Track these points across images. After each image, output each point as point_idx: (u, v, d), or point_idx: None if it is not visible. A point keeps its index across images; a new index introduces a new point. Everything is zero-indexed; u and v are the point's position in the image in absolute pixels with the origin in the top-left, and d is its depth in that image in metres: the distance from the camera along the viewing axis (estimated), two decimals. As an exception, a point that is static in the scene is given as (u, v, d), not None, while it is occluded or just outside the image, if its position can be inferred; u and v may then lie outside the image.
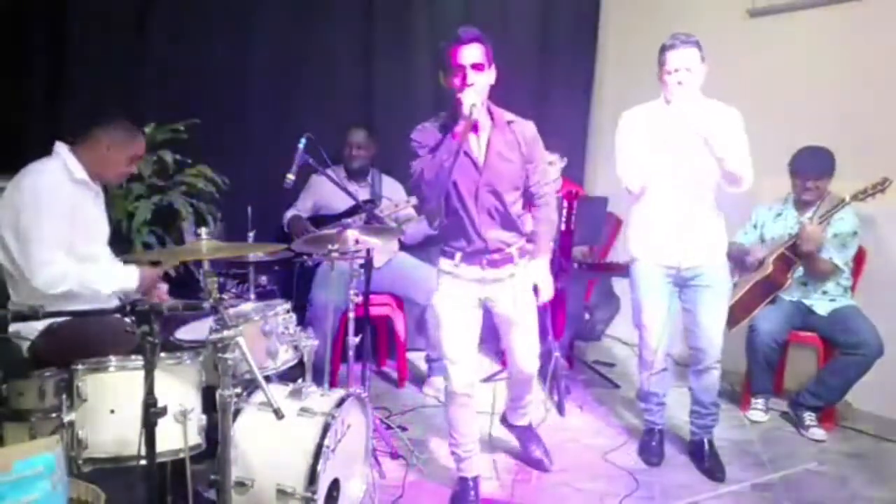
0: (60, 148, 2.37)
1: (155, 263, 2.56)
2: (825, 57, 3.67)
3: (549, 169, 3.87)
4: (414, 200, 3.48)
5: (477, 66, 2.18)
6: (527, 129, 2.36)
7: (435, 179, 2.17)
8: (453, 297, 2.41)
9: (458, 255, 2.39)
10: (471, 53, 2.18)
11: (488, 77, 2.24)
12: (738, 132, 2.62)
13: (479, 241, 2.34)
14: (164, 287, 2.57)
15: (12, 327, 2.27)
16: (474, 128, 2.23)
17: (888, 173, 3.00)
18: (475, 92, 2.16)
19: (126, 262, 2.49)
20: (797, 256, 3.21)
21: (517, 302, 2.44)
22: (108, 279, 2.38)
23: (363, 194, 3.58)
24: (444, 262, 2.43)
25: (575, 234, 3.49)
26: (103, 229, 2.55)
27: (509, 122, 2.34)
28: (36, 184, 2.27)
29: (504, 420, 2.88)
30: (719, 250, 2.77)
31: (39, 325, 2.27)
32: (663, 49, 2.61)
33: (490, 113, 2.32)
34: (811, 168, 3.20)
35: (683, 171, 2.62)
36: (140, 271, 2.44)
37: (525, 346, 2.53)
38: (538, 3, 4.47)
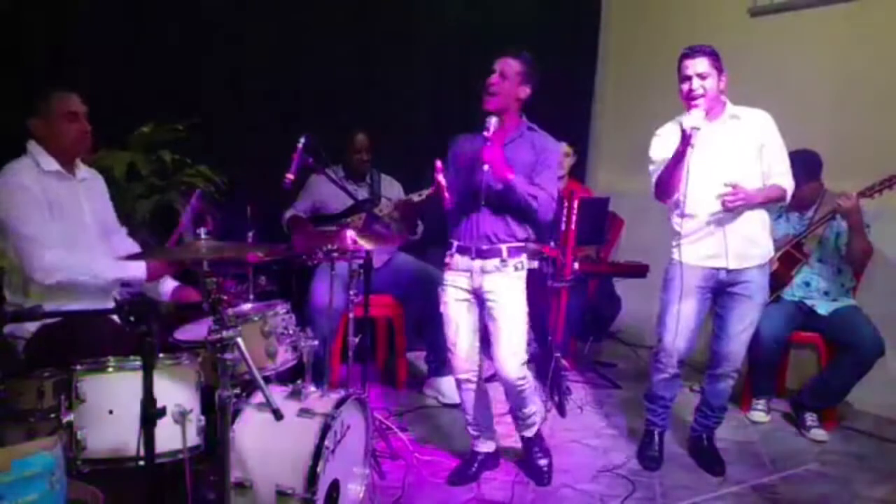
0: (32, 145, 2.38)
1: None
2: (825, 57, 3.67)
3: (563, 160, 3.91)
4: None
5: (501, 73, 2.52)
6: (541, 139, 2.58)
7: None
8: (450, 287, 2.62)
9: (455, 244, 2.60)
10: (499, 62, 2.53)
11: (511, 86, 2.52)
12: (773, 140, 2.63)
13: (476, 234, 2.53)
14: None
15: (7, 327, 2.26)
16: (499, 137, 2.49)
17: (888, 172, 3.00)
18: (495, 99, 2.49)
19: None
20: (803, 255, 3.22)
21: (504, 299, 2.54)
22: (110, 264, 2.37)
23: (362, 194, 3.57)
24: (447, 255, 2.64)
25: (576, 234, 3.48)
26: (91, 217, 2.50)
27: (530, 128, 2.58)
28: (6, 183, 2.28)
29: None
30: (765, 254, 2.72)
31: (33, 326, 2.26)
32: (679, 59, 2.63)
33: (517, 122, 2.58)
34: (803, 171, 3.15)
35: (718, 178, 2.60)
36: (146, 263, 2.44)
37: (504, 345, 2.54)
38: (539, 4, 4.46)
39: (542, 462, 2.75)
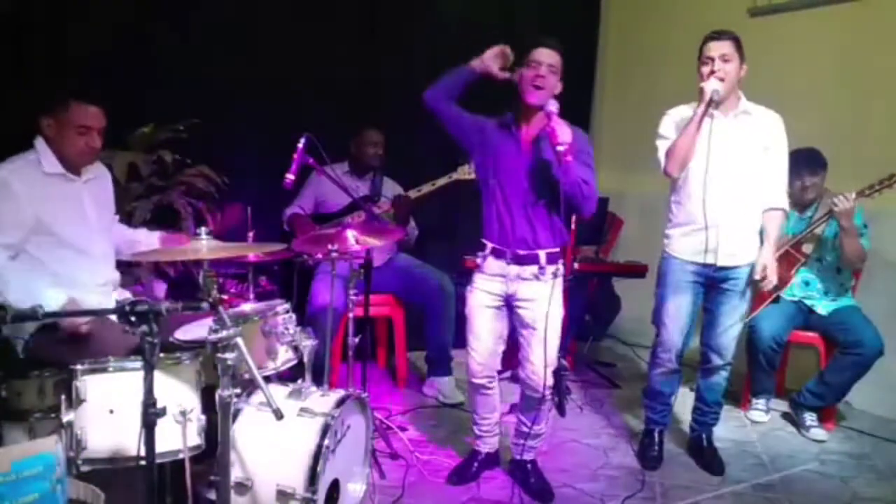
0: (39, 143, 2.35)
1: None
2: (825, 57, 3.67)
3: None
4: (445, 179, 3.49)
5: (550, 67, 2.36)
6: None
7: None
8: (479, 291, 2.52)
9: (489, 246, 2.48)
10: (547, 55, 2.36)
11: (555, 82, 2.38)
12: (777, 146, 2.64)
13: (512, 237, 2.42)
14: (161, 287, 2.56)
15: (6, 327, 2.26)
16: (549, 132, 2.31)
17: (887, 171, 3.00)
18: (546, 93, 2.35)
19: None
20: (802, 255, 3.23)
21: (541, 308, 2.40)
22: (23, 290, 2.16)
23: (362, 191, 3.58)
24: (479, 257, 2.53)
25: (576, 234, 3.48)
26: (95, 214, 2.48)
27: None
28: None
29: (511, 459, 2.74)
30: (755, 252, 2.70)
31: (33, 326, 2.25)
32: (703, 42, 2.61)
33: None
34: (807, 166, 3.19)
35: (722, 172, 2.60)
36: (70, 303, 2.22)
37: (538, 354, 2.44)
38: (538, 3, 4.46)
39: (539, 483, 2.64)
